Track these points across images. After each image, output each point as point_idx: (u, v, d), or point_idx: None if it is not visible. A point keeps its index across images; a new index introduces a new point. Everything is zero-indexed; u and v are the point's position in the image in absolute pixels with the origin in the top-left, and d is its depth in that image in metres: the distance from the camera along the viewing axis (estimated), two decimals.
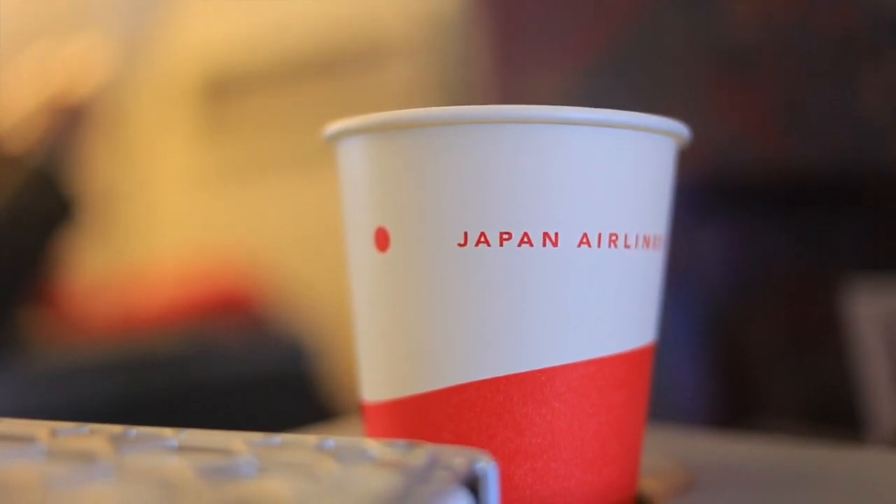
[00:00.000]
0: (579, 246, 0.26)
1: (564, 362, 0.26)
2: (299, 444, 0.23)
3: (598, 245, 0.26)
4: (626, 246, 0.27)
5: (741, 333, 0.52)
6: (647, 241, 0.27)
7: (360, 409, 0.29)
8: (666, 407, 0.52)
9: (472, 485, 0.21)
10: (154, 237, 1.68)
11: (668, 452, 0.33)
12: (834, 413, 0.48)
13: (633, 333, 0.27)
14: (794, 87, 0.48)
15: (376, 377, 0.28)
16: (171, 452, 0.23)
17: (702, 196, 0.51)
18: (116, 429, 0.25)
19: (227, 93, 1.61)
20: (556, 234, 0.26)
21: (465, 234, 0.26)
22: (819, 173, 0.48)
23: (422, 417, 0.27)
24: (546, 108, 0.25)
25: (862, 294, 0.45)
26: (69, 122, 0.90)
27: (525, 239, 0.26)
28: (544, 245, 0.26)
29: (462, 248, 0.26)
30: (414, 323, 0.27)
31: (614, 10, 0.52)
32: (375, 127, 0.27)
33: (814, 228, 0.50)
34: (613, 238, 0.26)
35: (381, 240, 0.27)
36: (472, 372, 0.26)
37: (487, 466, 0.22)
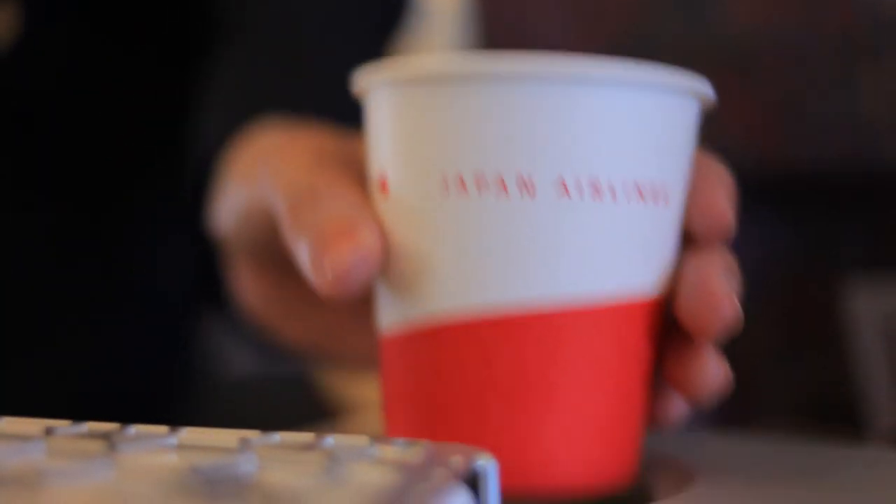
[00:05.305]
0: (560, 193, 0.26)
1: (543, 311, 0.26)
2: (298, 442, 0.23)
3: (580, 194, 0.26)
4: (613, 195, 0.27)
5: (741, 332, 0.52)
6: (640, 192, 0.27)
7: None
8: None
9: (472, 482, 0.21)
10: None
11: (668, 450, 0.32)
12: (833, 411, 0.48)
13: (625, 285, 0.27)
14: (794, 86, 0.48)
15: (381, 306, 0.29)
16: (169, 450, 0.23)
17: None
18: (114, 426, 0.25)
19: None
20: (534, 180, 0.26)
21: (446, 180, 0.27)
22: (819, 173, 0.48)
23: (413, 356, 0.28)
24: (528, 63, 0.26)
25: (861, 293, 0.45)
26: None
27: (503, 187, 0.26)
28: (522, 192, 0.26)
29: (445, 195, 0.27)
30: (403, 265, 0.28)
31: (614, 10, 0.52)
32: (379, 81, 0.28)
33: (813, 228, 0.50)
34: (597, 185, 0.26)
35: (383, 185, 0.28)
36: (451, 309, 0.27)
37: (487, 464, 0.22)
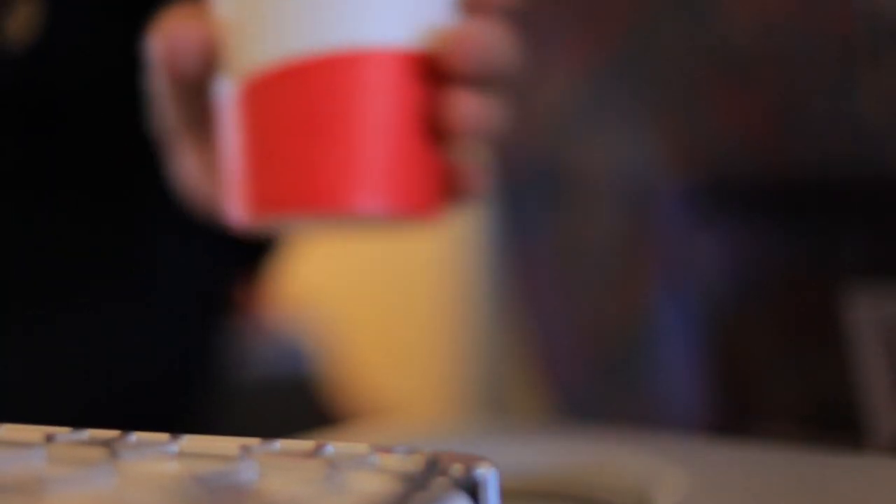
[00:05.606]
0: None
1: (321, 57, 0.31)
2: (298, 450, 0.23)
3: None
4: None
5: (740, 338, 0.52)
6: None
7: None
8: (664, 411, 0.52)
9: (472, 490, 0.21)
10: None
11: (667, 457, 0.32)
12: (833, 418, 0.48)
13: (390, 36, 0.32)
14: (793, 90, 0.48)
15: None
16: (170, 458, 0.23)
17: (701, 199, 0.51)
18: (115, 433, 0.25)
19: None
20: None
21: None
22: (819, 177, 0.48)
23: (231, 116, 0.33)
24: None
25: (862, 299, 0.45)
26: None
27: None
28: None
29: None
30: (218, 49, 0.33)
31: (615, 15, 0.52)
32: None
33: (813, 232, 0.50)
34: None
35: None
36: (248, 67, 0.32)
37: (487, 472, 0.22)
